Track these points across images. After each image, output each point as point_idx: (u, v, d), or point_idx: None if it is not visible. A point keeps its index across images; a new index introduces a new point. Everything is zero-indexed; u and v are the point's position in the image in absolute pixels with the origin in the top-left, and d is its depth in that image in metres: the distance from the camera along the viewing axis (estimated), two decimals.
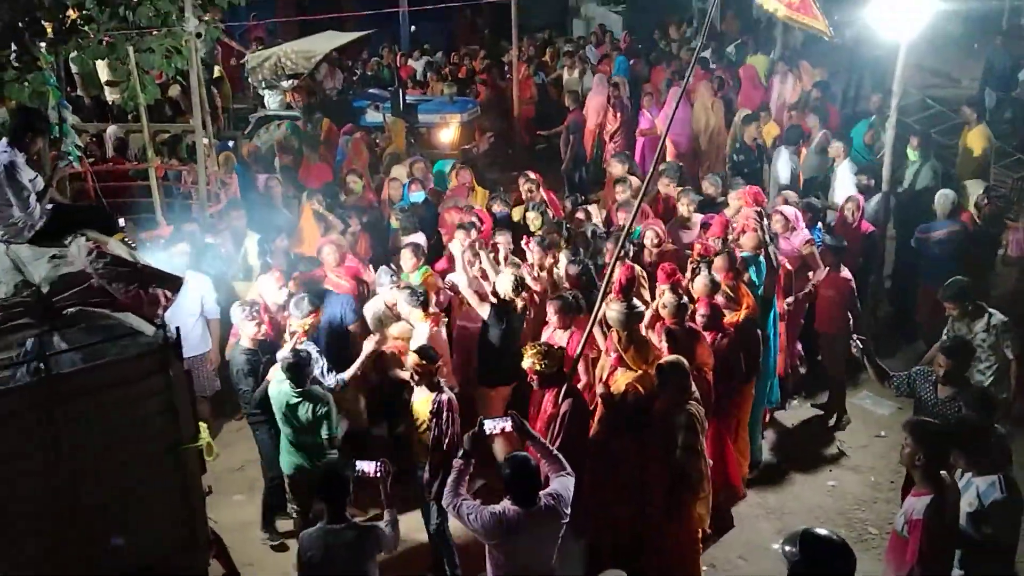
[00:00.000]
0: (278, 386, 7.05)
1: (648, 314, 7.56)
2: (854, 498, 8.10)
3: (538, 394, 6.81)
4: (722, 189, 11.06)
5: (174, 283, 5.90)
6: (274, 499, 7.79)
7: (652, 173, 7.09)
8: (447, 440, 6.60)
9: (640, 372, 6.77)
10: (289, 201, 11.84)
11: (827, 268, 9.11)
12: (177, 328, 5.48)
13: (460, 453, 5.53)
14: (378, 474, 5.68)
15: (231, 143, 15.30)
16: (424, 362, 6.71)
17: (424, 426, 6.70)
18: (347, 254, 9.25)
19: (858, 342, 6.90)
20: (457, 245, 8.24)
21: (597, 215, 10.51)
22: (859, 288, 9.40)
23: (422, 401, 6.76)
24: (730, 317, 7.85)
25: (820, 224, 10.22)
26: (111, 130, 14.75)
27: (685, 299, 7.50)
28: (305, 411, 6.98)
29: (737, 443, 7.98)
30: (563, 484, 5.40)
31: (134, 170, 13.33)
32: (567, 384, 6.54)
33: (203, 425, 5.62)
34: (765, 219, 8.82)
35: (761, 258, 8.65)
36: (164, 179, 12.95)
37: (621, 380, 6.81)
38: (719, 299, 7.85)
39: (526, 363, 6.62)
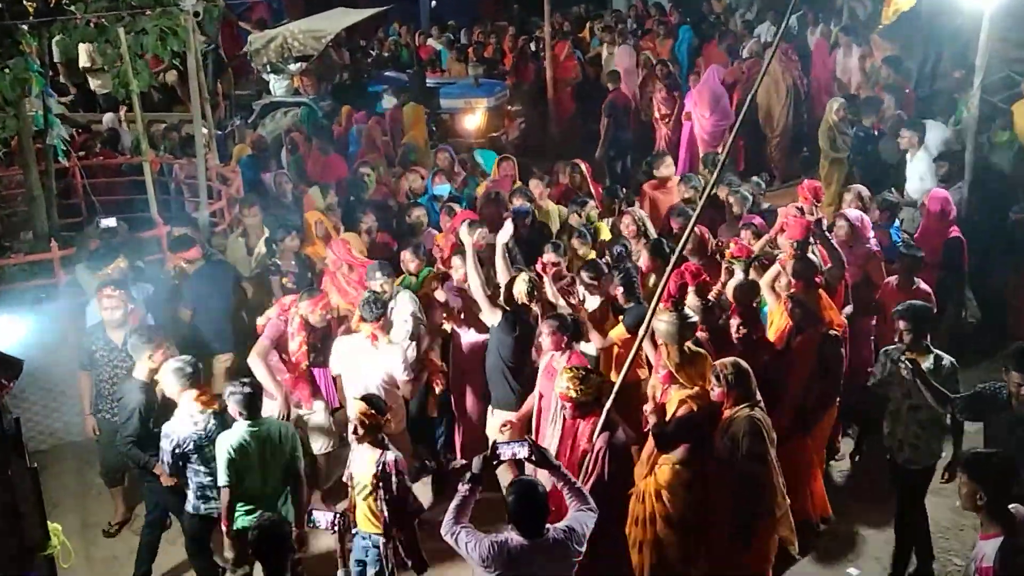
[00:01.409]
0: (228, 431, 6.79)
1: None
2: (935, 524, 7.94)
3: (570, 425, 6.61)
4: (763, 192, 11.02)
5: (13, 369, 5.84)
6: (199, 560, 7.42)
7: (719, 171, 6.94)
8: (400, 506, 6.42)
9: (696, 389, 6.70)
10: (298, 198, 11.91)
11: (895, 280, 8.82)
12: (16, 418, 5.28)
13: (467, 477, 5.40)
14: (333, 528, 5.60)
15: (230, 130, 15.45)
16: (372, 412, 6.45)
17: (367, 491, 6.46)
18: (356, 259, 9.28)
19: (907, 362, 6.73)
20: (467, 239, 8.07)
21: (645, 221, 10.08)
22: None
23: (365, 461, 6.49)
24: (807, 334, 7.64)
25: (898, 222, 10.10)
26: (108, 118, 14.91)
27: (711, 301, 7.49)
28: (265, 442, 6.76)
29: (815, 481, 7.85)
30: (580, 519, 5.31)
31: (127, 164, 13.48)
32: (606, 415, 6.30)
33: (55, 528, 5.31)
34: (817, 217, 8.65)
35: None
36: (160, 174, 13.06)
37: (675, 398, 6.73)
38: (791, 315, 7.72)
39: (559, 387, 6.48)
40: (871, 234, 9.30)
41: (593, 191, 11.49)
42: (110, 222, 10.00)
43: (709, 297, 7.57)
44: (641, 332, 6.39)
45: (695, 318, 7.06)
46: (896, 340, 7.12)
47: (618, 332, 7.85)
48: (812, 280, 7.89)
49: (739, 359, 6.61)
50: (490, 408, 8.09)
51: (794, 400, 7.35)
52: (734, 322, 7.52)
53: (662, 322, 6.87)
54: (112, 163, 13.78)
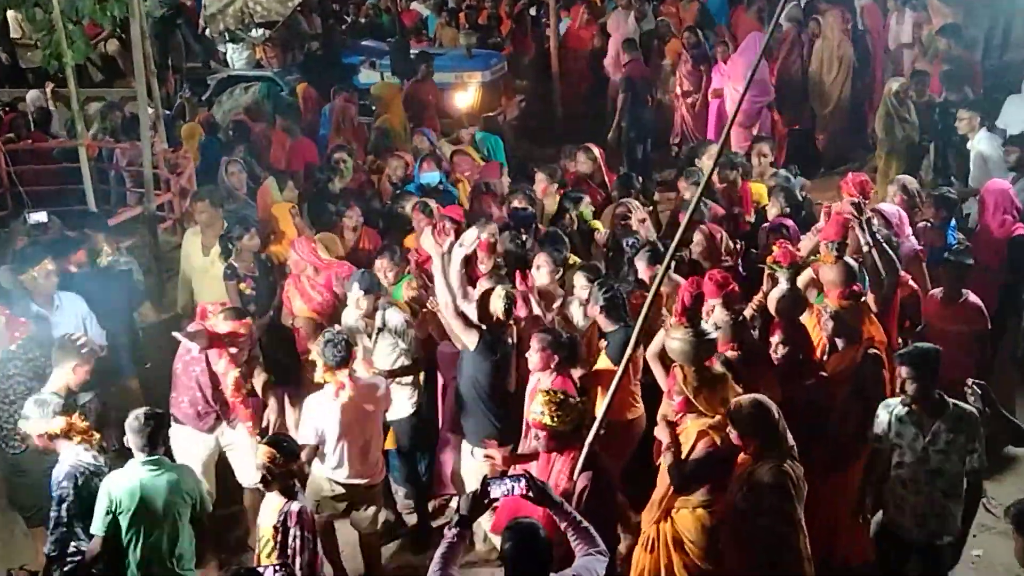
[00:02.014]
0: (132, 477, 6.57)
1: None
2: (1005, 570, 7.75)
3: (545, 460, 6.52)
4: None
5: None
6: None
7: (717, 160, 6.65)
8: (295, 567, 6.22)
9: (717, 419, 6.53)
10: (253, 190, 11.62)
11: (940, 292, 8.69)
12: None
13: (454, 520, 5.30)
14: None
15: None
16: (279, 457, 6.27)
17: (268, 547, 6.32)
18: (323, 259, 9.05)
19: (975, 388, 6.52)
20: (432, 244, 7.74)
21: (641, 214, 9.81)
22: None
23: (269, 510, 6.38)
24: (843, 351, 7.50)
25: (955, 223, 9.84)
26: (31, 96, 14.70)
27: (745, 315, 7.36)
28: (168, 487, 6.59)
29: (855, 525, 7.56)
30: (588, 565, 5.22)
31: (59, 149, 13.25)
32: (588, 449, 6.11)
33: None
34: (870, 214, 8.38)
35: (859, 266, 8.21)
36: (98, 160, 12.87)
37: (692, 429, 6.56)
38: (824, 329, 7.56)
39: (534, 414, 6.36)
40: (909, 231, 9.16)
41: (607, 181, 11.30)
42: (39, 216, 9.89)
43: (741, 310, 7.40)
44: (625, 358, 6.14)
45: (714, 335, 6.87)
46: (898, 390, 6.85)
47: (603, 363, 7.70)
48: (851, 289, 7.76)
49: (759, 396, 6.37)
50: (464, 446, 7.95)
51: (829, 430, 7.23)
52: (775, 339, 7.33)
53: (675, 340, 6.70)
54: (43, 147, 13.62)
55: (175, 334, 7.91)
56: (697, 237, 8.90)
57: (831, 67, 14.92)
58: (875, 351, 7.50)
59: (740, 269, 8.89)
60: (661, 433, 6.73)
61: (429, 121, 14.46)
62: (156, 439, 6.58)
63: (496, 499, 5.40)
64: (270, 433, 7.69)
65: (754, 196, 10.58)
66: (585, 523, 5.36)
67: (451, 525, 5.27)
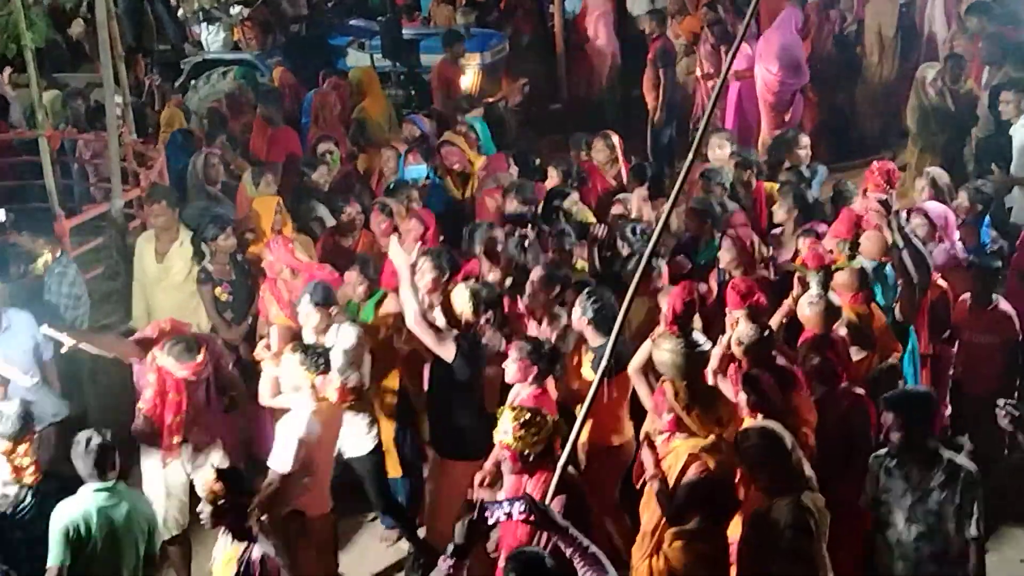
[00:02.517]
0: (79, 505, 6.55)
1: (716, 353, 7.22)
2: None
3: (514, 483, 6.45)
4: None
5: None
6: None
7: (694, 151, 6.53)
8: None
9: (711, 439, 6.53)
10: (229, 186, 11.82)
11: (969, 298, 8.71)
12: None
13: (449, 550, 5.29)
14: None
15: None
16: (221, 489, 6.15)
17: None
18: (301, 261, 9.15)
19: (1010, 410, 6.32)
20: (398, 252, 7.81)
21: (640, 207, 9.95)
22: None
23: (222, 558, 6.28)
24: (857, 360, 7.58)
25: (989, 219, 9.88)
26: None
27: (770, 329, 7.31)
28: (121, 517, 6.58)
29: None
30: None
31: (18, 140, 13.35)
32: (560, 473, 5.99)
33: None
34: (896, 210, 8.44)
35: (888, 269, 8.37)
36: (60, 152, 12.93)
37: (682, 450, 6.54)
38: (840, 334, 7.59)
39: (500, 433, 6.32)
40: (956, 236, 9.19)
41: (623, 170, 11.35)
42: None
43: (768, 323, 7.39)
44: (597, 375, 6.05)
45: (707, 346, 6.87)
46: (883, 437, 6.74)
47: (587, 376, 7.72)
48: (865, 293, 7.86)
49: (769, 424, 6.39)
50: (434, 462, 8.06)
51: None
52: (805, 351, 7.39)
53: (665, 351, 6.70)
54: (0, 139, 13.65)
55: (45, 329, 7.99)
56: (725, 245, 8.71)
57: (872, 48, 14.98)
58: (891, 363, 7.61)
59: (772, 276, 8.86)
60: (645, 457, 6.71)
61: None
62: (104, 464, 6.51)
63: (494, 525, 5.38)
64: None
65: (768, 194, 10.49)
66: (593, 548, 5.33)
67: (446, 556, 5.24)
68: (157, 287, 9.82)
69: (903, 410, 6.32)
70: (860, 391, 7.23)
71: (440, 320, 7.84)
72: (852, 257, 8.11)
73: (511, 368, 7.33)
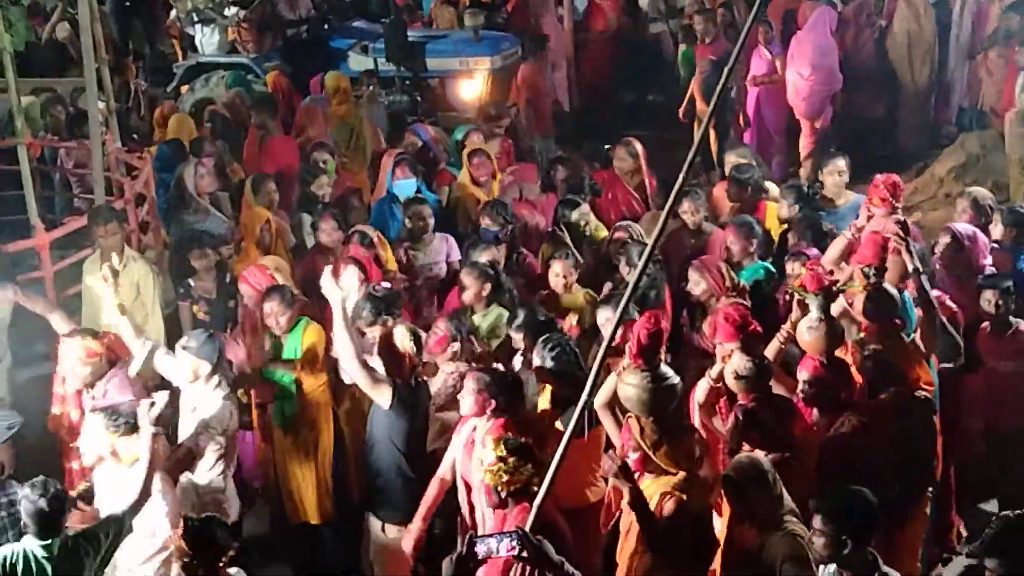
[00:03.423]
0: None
1: (703, 387, 7.18)
2: None
3: (497, 517, 6.43)
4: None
5: None
6: None
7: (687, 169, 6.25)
8: None
9: (681, 476, 6.47)
10: (219, 199, 11.68)
11: (988, 325, 8.55)
12: None
13: None
14: None
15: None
16: (191, 546, 5.98)
17: None
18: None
19: None
20: (332, 287, 7.47)
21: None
22: None
23: None
24: (886, 397, 7.30)
25: None
26: None
27: (765, 358, 7.13)
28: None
29: None
30: None
31: None
32: (537, 509, 5.83)
33: None
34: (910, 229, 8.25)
35: (907, 295, 8.09)
36: (40, 162, 12.83)
37: (652, 490, 6.45)
38: (860, 367, 7.38)
39: (501, 466, 6.26)
40: (988, 260, 8.97)
41: (647, 182, 11.10)
42: None
43: (763, 353, 7.18)
44: (567, 431, 5.77)
45: (675, 379, 6.66)
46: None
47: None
48: (891, 321, 7.62)
49: (754, 457, 6.33)
50: (374, 522, 7.78)
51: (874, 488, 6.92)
52: (803, 376, 7.19)
53: (630, 386, 6.53)
54: None
55: None
56: (694, 276, 8.63)
57: (907, 52, 14.81)
58: (924, 395, 7.36)
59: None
60: (619, 484, 6.45)
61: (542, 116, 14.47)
62: (43, 526, 6.33)
63: (484, 560, 5.42)
64: None
65: (770, 219, 10.17)
66: None
67: None
68: (104, 313, 9.37)
69: (833, 516, 5.78)
70: (857, 420, 7.10)
71: (378, 365, 7.64)
72: (876, 285, 7.81)
73: (467, 400, 7.17)
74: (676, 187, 5.87)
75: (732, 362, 7.00)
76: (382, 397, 7.48)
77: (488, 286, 8.62)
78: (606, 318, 7.87)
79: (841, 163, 10.28)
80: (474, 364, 7.87)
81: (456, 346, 7.36)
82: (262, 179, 10.83)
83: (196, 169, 11.42)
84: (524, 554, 5.42)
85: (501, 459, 6.24)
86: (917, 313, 7.85)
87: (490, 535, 5.52)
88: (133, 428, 6.93)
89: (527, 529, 5.74)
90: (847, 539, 5.68)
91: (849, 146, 14.25)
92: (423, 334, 7.85)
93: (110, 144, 12.31)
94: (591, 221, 10.04)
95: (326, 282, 7.49)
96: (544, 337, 7.61)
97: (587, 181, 10.79)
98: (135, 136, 14.11)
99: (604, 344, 5.92)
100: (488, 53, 16.63)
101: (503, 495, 6.29)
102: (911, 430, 7.24)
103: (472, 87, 16.43)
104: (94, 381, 7.80)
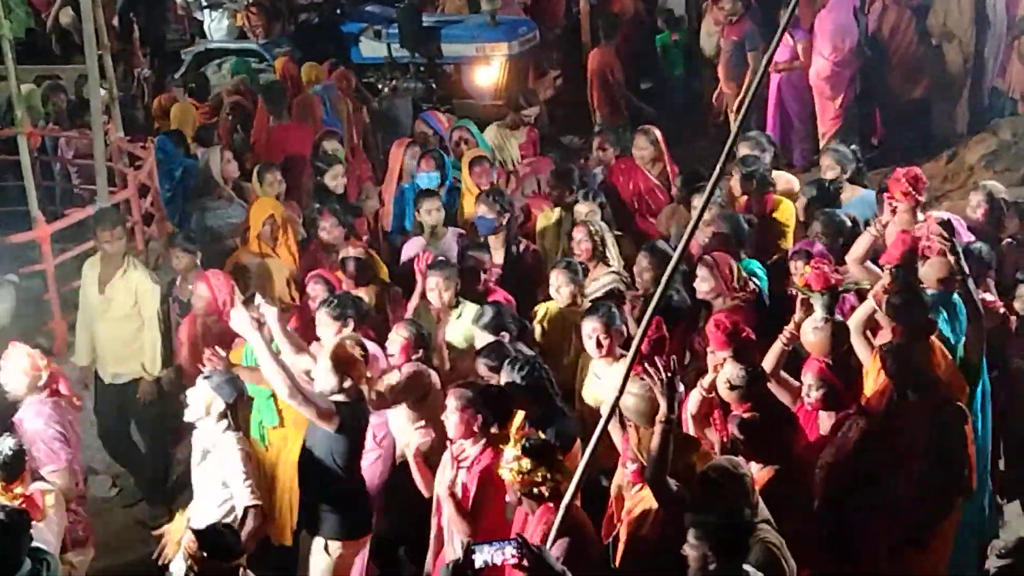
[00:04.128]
0: None
1: (695, 398, 7.08)
2: None
3: (522, 518, 6.42)
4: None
5: None
6: None
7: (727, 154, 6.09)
8: None
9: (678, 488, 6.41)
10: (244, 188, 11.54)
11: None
12: None
13: None
14: None
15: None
16: (200, 553, 5.95)
17: None
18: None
19: None
20: (245, 324, 7.35)
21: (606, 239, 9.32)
22: None
23: None
24: (911, 403, 7.17)
25: None
26: None
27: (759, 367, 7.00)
28: None
29: None
30: None
31: None
32: (564, 513, 5.86)
33: None
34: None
35: (956, 297, 7.95)
36: (40, 152, 12.84)
37: (648, 504, 6.44)
38: (879, 372, 7.25)
39: (512, 467, 6.17)
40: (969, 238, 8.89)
41: (669, 170, 10.94)
42: None
43: (758, 361, 7.04)
44: (602, 421, 5.74)
45: (677, 389, 6.52)
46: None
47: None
48: (919, 325, 7.41)
49: (733, 459, 6.23)
50: (316, 543, 7.54)
51: (900, 498, 6.94)
52: (807, 380, 7.04)
53: (629, 395, 6.48)
54: None
55: None
56: (702, 272, 8.42)
57: (946, 34, 14.62)
58: (958, 404, 7.21)
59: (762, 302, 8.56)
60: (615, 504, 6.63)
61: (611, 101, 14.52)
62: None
63: (481, 569, 5.34)
64: None
65: (780, 213, 9.99)
66: None
67: None
68: (100, 319, 9.44)
69: (712, 537, 5.64)
70: (864, 424, 7.00)
71: (328, 380, 7.34)
72: (904, 286, 7.66)
73: (451, 420, 6.98)
74: (712, 180, 5.88)
75: (724, 371, 6.87)
76: (330, 424, 7.25)
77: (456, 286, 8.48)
78: (592, 328, 7.71)
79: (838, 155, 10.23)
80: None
81: (480, 419, 7.01)
82: (266, 168, 10.78)
83: (222, 154, 11.43)
84: (524, 563, 5.33)
85: (517, 458, 6.16)
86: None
87: (489, 543, 5.42)
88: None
89: (553, 533, 5.80)
90: (713, 556, 5.56)
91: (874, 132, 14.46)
92: (371, 348, 7.66)
93: (112, 133, 12.34)
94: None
95: (237, 318, 7.35)
96: (511, 358, 7.46)
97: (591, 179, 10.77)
98: (139, 124, 14.06)
99: (632, 352, 5.83)
100: (505, 39, 16.49)
101: (518, 495, 6.23)
102: (941, 439, 7.10)
103: (489, 74, 16.31)
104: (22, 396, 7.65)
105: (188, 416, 7.56)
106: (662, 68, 17.26)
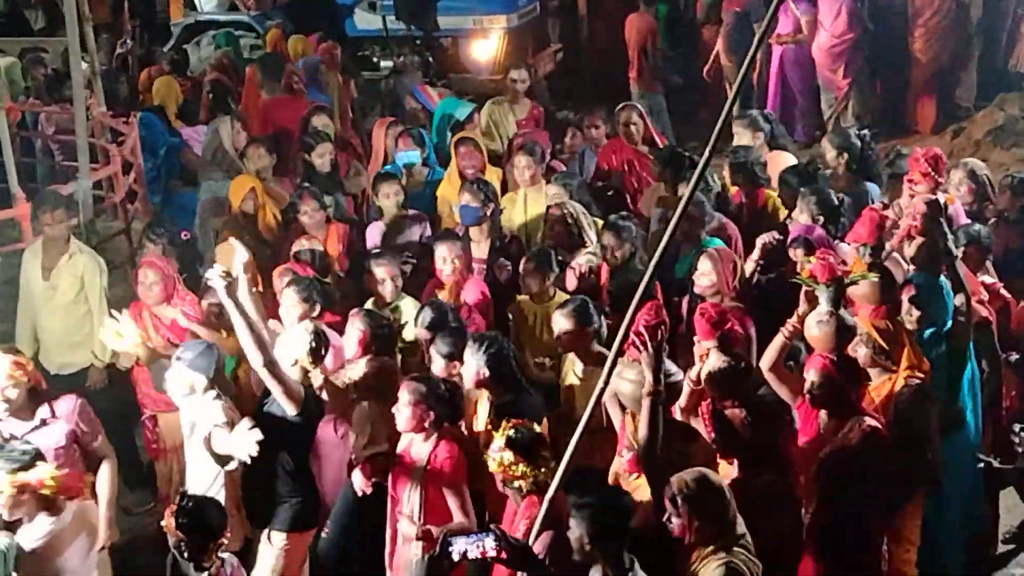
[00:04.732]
0: None
1: (685, 390, 6.99)
2: None
3: (510, 510, 6.38)
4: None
5: None
6: None
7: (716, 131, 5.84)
8: None
9: None
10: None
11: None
12: None
13: None
14: None
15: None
16: (185, 530, 6.01)
17: None
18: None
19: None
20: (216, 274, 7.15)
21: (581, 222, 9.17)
22: None
23: None
24: (878, 384, 7.18)
25: None
26: None
27: (744, 361, 6.89)
28: None
29: None
30: None
31: None
32: (547, 506, 5.79)
33: None
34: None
35: (943, 279, 7.87)
36: (20, 127, 12.77)
37: (644, 494, 6.36)
38: (859, 355, 7.17)
39: (495, 458, 6.10)
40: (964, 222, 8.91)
41: (659, 142, 10.93)
42: None
43: (742, 355, 6.93)
44: (586, 413, 5.68)
45: (677, 376, 6.68)
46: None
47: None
48: (889, 306, 7.47)
49: (706, 472, 6.02)
50: (266, 536, 7.37)
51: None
52: (811, 377, 6.89)
53: (627, 381, 6.51)
54: None
55: None
56: (704, 266, 8.23)
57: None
58: (918, 381, 7.19)
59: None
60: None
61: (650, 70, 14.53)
62: None
63: (458, 563, 5.41)
64: None
65: (769, 205, 9.81)
66: None
67: None
68: (44, 307, 9.28)
69: (586, 520, 5.63)
70: (874, 423, 6.83)
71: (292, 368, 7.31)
72: (873, 265, 7.65)
73: (403, 413, 6.85)
74: (701, 162, 5.64)
75: (708, 361, 6.79)
76: (289, 406, 7.12)
77: (317, 308, 8.18)
78: (560, 328, 7.60)
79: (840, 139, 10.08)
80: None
81: (432, 415, 6.90)
82: (249, 143, 10.70)
83: (232, 124, 11.36)
84: (502, 556, 5.35)
85: (500, 449, 6.12)
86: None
87: (466, 534, 5.49)
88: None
89: (537, 526, 5.75)
90: (589, 539, 5.56)
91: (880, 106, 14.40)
92: (331, 336, 7.57)
93: (94, 108, 12.24)
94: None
95: (212, 274, 7.17)
96: (476, 336, 7.36)
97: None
98: (123, 98, 14.03)
99: (617, 341, 5.77)
100: (504, 11, 16.54)
101: (501, 486, 6.21)
102: (906, 418, 7.09)
103: (487, 47, 16.34)
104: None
105: (173, 398, 7.54)
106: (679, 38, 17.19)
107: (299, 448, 7.27)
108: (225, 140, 11.13)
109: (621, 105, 11.28)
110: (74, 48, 11.28)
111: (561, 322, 7.53)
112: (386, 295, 8.42)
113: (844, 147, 9.97)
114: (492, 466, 6.14)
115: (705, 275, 8.19)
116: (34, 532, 6.63)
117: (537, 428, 6.35)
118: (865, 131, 10.69)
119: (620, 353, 5.94)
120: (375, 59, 15.99)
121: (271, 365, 6.94)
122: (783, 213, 9.55)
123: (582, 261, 8.72)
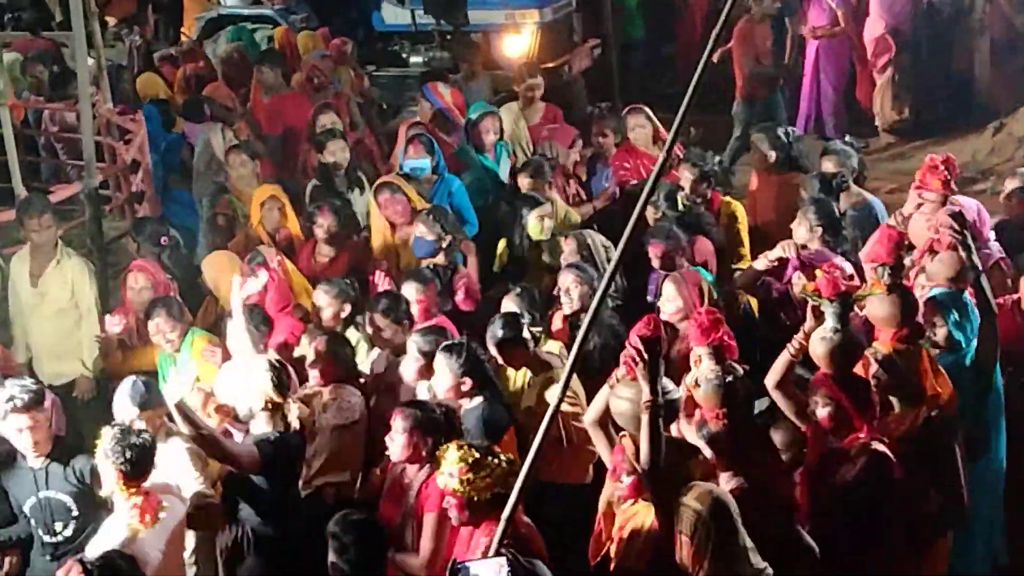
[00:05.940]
0: None
1: (679, 395, 6.86)
2: None
3: (467, 534, 6.23)
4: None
5: None
6: None
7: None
8: None
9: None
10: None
11: None
12: None
13: None
14: None
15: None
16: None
17: None
18: None
19: None
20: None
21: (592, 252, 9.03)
22: None
23: None
24: (901, 414, 7.05)
25: None
26: None
27: (740, 371, 6.78)
28: None
29: None
30: None
31: None
32: (505, 523, 5.68)
33: None
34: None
35: (967, 296, 7.77)
36: (24, 125, 12.91)
37: (644, 512, 6.24)
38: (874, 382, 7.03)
39: (445, 476, 6.08)
40: (990, 234, 8.88)
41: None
42: None
43: (732, 367, 6.78)
44: (543, 423, 5.53)
45: (676, 393, 6.55)
46: None
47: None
48: (911, 327, 7.33)
49: (719, 491, 6.11)
50: None
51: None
52: (817, 396, 6.84)
53: (624, 400, 6.35)
54: None
55: None
56: (668, 291, 8.16)
57: None
58: (943, 413, 7.08)
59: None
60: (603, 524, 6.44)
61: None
62: None
63: None
64: None
65: (724, 214, 9.71)
66: None
67: None
68: (32, 315, 9.37)
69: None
70: (881, 448, 6.70)
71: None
72: (893, 286, 7.49)
73: (398, 441, 6.81)
74: (657, 165, 5.46)
75: (700, 368, 6.75)
76: (253, 471, 6.94)
77: (348, 307, 8.25)
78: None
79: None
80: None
81: (430, 442, 6.78)
82: (232, 149, 10.76)
83: (223, 134, 11.42)
84: None
85: (468, 464, 6.08)
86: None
87: (475, 560, 5.49)
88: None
89: (494, 545, 5.67)
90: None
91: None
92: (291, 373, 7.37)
93: (101, 105, 12.32)
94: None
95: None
96: (445, 344, 7.34)
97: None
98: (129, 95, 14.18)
99: (572, 354, 5.66)
100: (537, 4, 16.29)
101: (478, 502, 6.12)
102: (931, 451, 7.03)
103: (519, 43, 16.06)
104: None
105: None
106: (628, 31, 17.28)
107: (267, 499, 6.96)
108: (217, 150, 11.23)
109: (627, 108, 11.20)
110: (79, 42, 11.25)
111: (495, 332, 7.64)
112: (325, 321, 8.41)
113: (775, 146, 10.00)
114: (469, 487, 6.07)
115: (670, 300, 8.12)
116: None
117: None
118: (791, 128, 10.72)
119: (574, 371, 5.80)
120: (404, 55, 15.88)
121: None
122: (741, 215, 9.67)
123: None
